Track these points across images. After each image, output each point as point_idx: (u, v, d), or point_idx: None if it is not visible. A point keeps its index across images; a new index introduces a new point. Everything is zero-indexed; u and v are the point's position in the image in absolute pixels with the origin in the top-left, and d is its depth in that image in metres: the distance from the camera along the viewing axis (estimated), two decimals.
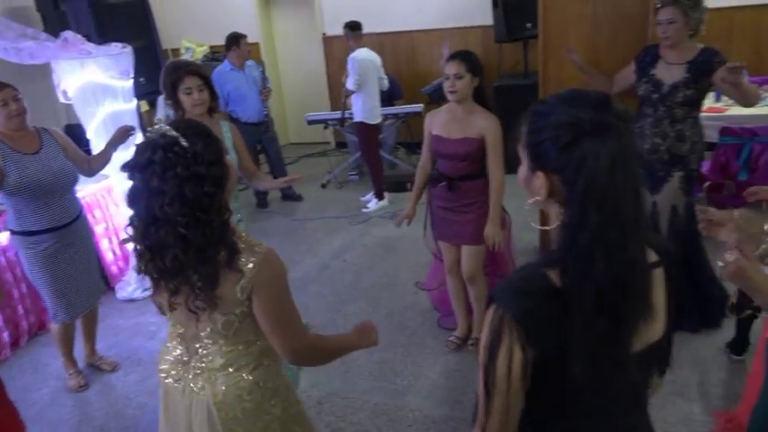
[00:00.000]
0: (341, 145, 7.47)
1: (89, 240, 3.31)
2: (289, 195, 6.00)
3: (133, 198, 1.41)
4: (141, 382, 3.31)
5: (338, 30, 6.21)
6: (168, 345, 1.66)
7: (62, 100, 4.12)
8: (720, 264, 1.28)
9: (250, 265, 1.44)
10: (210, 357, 1.56)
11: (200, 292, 1.43)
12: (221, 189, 1.43)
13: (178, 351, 1.62)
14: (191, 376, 1.58)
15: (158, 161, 1.34)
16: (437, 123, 2.95)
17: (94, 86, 3.95)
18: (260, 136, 5.65)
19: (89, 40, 4.17)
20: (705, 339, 3.18)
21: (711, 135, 4.36)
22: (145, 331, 3.84)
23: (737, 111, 4.55)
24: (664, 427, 2.61)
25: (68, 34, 4.02)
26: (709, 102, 4.73)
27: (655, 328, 1.07)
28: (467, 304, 3.32)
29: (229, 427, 1.56)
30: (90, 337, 3.46)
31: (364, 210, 5.51)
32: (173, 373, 1.62)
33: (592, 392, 1.07)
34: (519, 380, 1.01)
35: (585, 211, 0.94)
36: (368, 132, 5.52)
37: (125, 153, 4.10)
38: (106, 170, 4.22)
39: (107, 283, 4.16)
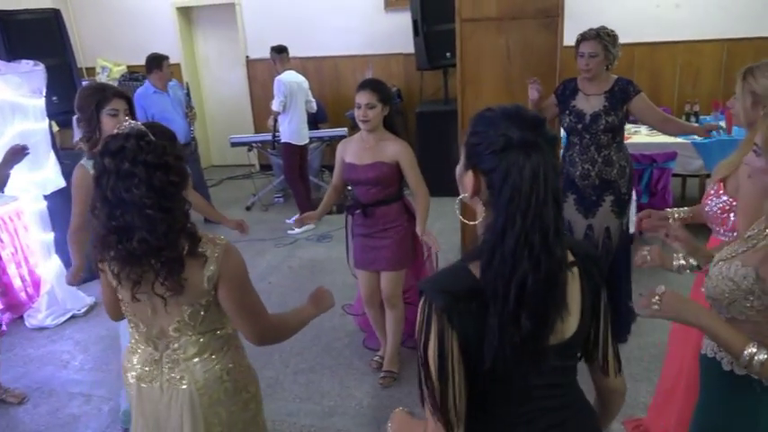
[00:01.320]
0: (265, 167, 7.43)
1: None
2: (209, 219, 5.88)
3: (100, 181, 1.48)
4: (53, 414, 3.13)
5: (262, 53, 6.24)
6: (132, 347, 1.72)
7: None
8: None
9: (216, 254, 1.54)
10: (182, 349, 1.64)
11: (167, 276, 1.49)
12: (185, 181, 1.55)
13: (147, 351, 1.68)
14: (165, 371, 1.65)
15: (130, 147, 1.45)
16: (349, 151, 2.97)
17: (3, 104, 3.77)
18: (186, 158, 5.52)
19: None
20: None
21: None
22: (57, 360, 3.64)
23: (638, 139, 4.94)
24: None
25: None
26: None
27: (568, 325, 1.17)
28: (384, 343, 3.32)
29: (213, 410, 1.65)
30: None
31: (290, 231, 5.49)
32: (144, 374, 1.68)
33: (513, 379, 1.15)
34: (450, 359, 1.09)
35: (511, 218, 1.05)
36: (293, 153, 5.55)
37: (39, 173, 3.94)
38: (15, 192, 4.04)
39: (16, 310, 3.91)
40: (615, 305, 3.41)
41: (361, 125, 2.87)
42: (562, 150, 3.38)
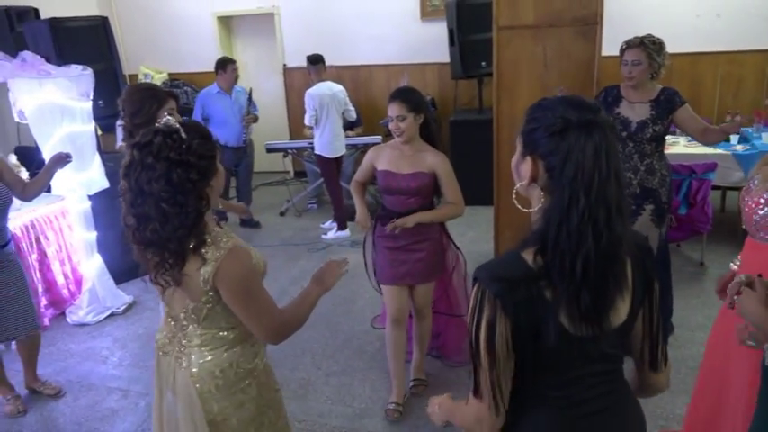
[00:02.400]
0: (300, 174, 7.53)
1: (16, 270, 3.08)
2: (247, 222, 6.00)
3: (128, 171, 1.57)
4: (92, 407, 3.22)
5: (299, 61, 6.35)
6: (163, 321, 1.83)
7: (17, 119, 4.06)
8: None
9: (214, 258, 1.58)
10: (189, 337, 1.72)
11: (167, 268, 1.58)
12: (205, 181, 1.59)
13: (169, 326, 1.78)
14: (176, 350, 1.75)
15: (156, 143, 1.53)
16: (383, 159, 2.88)
17: (53, 107, 3.91)
18: (238, 160, 5.74)
19: (48, 61, 4.15)
20: None
21: None
22: (96, 356, 3.75)
23: (677, 150, 4.86)
24: None
25: (27, 54, 4.00)
26: None
27: (620, 312, 1.20)
28: (404, 362, 3.11)
29: (204, 398, 1.70)
30: (29, 364, 3.33)
31: (324, 236, 5.55)
32: (164, 344, 1.79)
33: (564, 365, 1.19)
34: (501, 345, 1.13)
35: (575, 195, 1.08)
36: (327, 164, 5.63)
37: (84, 174, 4.08)
38: (61, 192, 4.19)
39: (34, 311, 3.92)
40: None
41: (396, 137, 2.81)
42: None
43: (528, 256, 1.14)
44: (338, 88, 5.60)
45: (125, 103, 2.70)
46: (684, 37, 5.95)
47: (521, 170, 1.19)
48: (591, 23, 3.50)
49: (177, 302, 1.70)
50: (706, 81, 6.09)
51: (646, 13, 5.89)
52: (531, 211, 1.20)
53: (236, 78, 5.64)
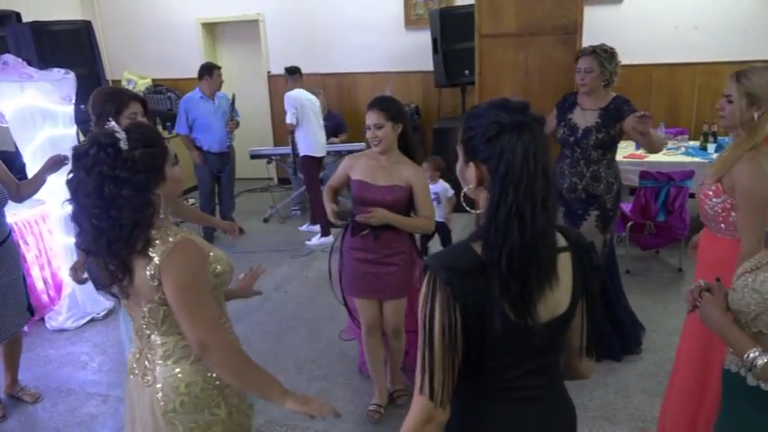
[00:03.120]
0: (283, 181, 7.52)
1: (14, 266, 3.11)
2: None
3: (68, 180, 1.53)
4: (71, 413, 3.18)
5: (283, 68, 6.36)
6: (134, 338, 1.74)
7: None
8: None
9: (159, 252, 1.52)
10: (153, 350, 1.65)
11: (116, 279, 1.54)
12: (142, 194, 1.51)
13: (136, 344, 1.70)
14: (140, 368, 1.67)
15: (91, 155, 1.47)
16: (359, 168, 2.79)
17: (34, 110, 3.89)
18: (221, 166, 5.70)
19: (30, 64, 4.12)
20: (628, 367, 3.38)
21: (633, 179, 4.70)
22: (76, 361, 3.71)
23: (655, 158, 4.92)
24: None
25: (8, 57, 3.98)
26: (630, 149, 5.12)
27: (559, 302, 1.26)
28: (384, 367, 3.10)
29: (169, 418, 1.61)
30: (11, 366, 3.29)
31: (307, 242, 5.56)
32: (133, 366, 1.71)
33: (505, 352, 1.24)
34: (451, 330, 1.17)
35: (504, 191, 1.15)
36: (313, 166, 5.65)
37: (65, 178, 4.04)
38: (42, 196, 4.13)
39: (33, 312, 3.95)
40: (615, 319, 3.45)
41: (373, 147, 2.71)
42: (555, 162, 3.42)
43: (477, 247, 1.20)
44: (313, 97, 5.77)
45: (92, 106, 2.67)
46: (663, 48, 6.08)
47: (466, 176, 1.27)
48: (571, 32, 3.57)
49: (135, 310, 1.62)
50: (684, 91, 6.21)
51: (625, 24, 6.00)
52: (477, 212, 1.30)
53: (220, 84, 5.65)
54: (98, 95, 2.72)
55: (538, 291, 1.19)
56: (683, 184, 4.44)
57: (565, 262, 1.27)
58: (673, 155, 5.02)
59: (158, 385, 1.63)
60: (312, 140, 5.63)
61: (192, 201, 6.64)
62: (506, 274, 1.15)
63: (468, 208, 1.31)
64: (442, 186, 4.59)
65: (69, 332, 4.07)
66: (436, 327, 1.18)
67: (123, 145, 1.48)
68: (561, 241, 1.29)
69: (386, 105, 2.69)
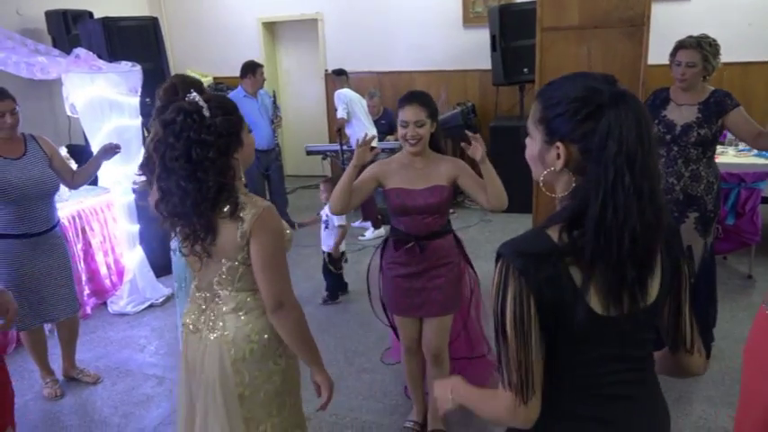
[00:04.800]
0: (338, 179, 7.56)
1: (62, 253, 3.18)
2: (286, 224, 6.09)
3: (156, 146, 1.63)
4: (128, 392, 3.28)
5: (341, 66, 6.45)
6: (190, 300, 1.84)
7: (69, 113, 4.21)
8: None
9: (250, 214, 1.63)
10: (222, 303, 1.74)
11: (195, 240, 1.64)
12: (225, 157, 1.62)
13: (197, 303, 1.79)
14: (206, 322, 1.76)
15: (179, 122, 1.58)
16: (392, 176, 2.50)
17: (102, 101, 4.05)
18: (268, 164, 5.79)
19: (100, 58, 4.29)
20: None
21: None
22: (134, 344, 3.83)
23: (726, 159, 4.71)
24: None
25: (80, 51, 4.15)
26: None
27: (650, 292, 1.16)
28: (423, 385, 2.87)
29: (237, 367, 1.71)
30: (67, 350, 3.42)
31: (360, 238, 5.58)
32: (190, 322, 1.79)
33: (590, 346, 1.15)
34: (524, 323, 1.09)
35: (620, 171, 1.05)
36: None
37: (130, 167, 4.18)
38: (107, 184, 4.32)
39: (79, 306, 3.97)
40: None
41: (409, 147, 2.45)
42: None
43: (553, 233, 1.11)
44: (359, 96, 5.95)
45: (183, 89, 2.72)
46: (735, 46, 5.77)
47: (547, 158, 1.15)
48: (638, 24, 3.43)
49: (211, 270, 1.73)
50: (758, 91, 5.91)
51: (695, 20, 5.73)
52: (558, 196, 1.17)
53: (263, 82, 5.74)
54: (192, 85, 2.79)
55: (649, 273, 1.12)
56: (755, 185, 4.21)
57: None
58: (745, 156, 4.77)
59: (229, 335, 1.72)
60: (361, 135, 5.69)
61: None
62: (627, 257, 1.06)
63: (547, 192, 1.21)
64: None
65: (129, 316, 4.20)
66: (507, 319, 1.10)
67: (206, 112, 1.59)
68: None
69: (427, 101, 2.47)
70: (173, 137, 1.58)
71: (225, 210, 1.63)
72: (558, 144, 1.12)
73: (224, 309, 1.74)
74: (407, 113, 2.42)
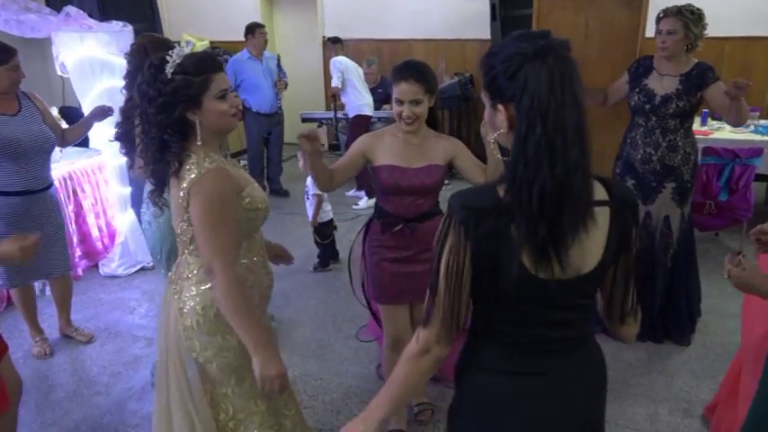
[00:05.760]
0: (334, 147, 7.54)
1: (55, 212, 3.20)
2: (275, 191, 6.07)
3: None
4: (117, 353, 3.31)
5: (338, 33, 6.37)
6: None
7: (60, 72, 4.15)
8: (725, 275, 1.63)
9: (192, 175, 1.62)
10: (183, 268, 1.75)
11: (154, 189, 1.72)
12: (165, 115, 1.60)
13: (178, 258, 1.81)
14: (177, 281, 1.77)
15: (143, 74, 1.64)
16: (384, 151, 2.29)
17: (93, 61, 4.00)
18: (270, 127, 5.78)
19: (90, 17, 4.22)
20: (675, 347, 3.25)
21: None
22: (125, 306, 3.85)
23: (721, 135, 4.69)
24: (631, 426, 2.66)
25: (71, 9, 4.08)
26: (695, 125, 4.87)
27: (588, 260, 1.17)
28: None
29: (188, 335, 1.71)
30: (63, 308, 3.45)
31: (354, 207, 5.58)
32: (172, 277, 1.81)
33: (519, 303, 1.18)
34: (459, 274, 1.13)
35: (532, 123, 1.05)
36: (362, 126, 5.70)
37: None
38: (99, 146, 4.28)
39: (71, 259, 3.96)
40: (676, 302, 3.27)
41: (404, 125, 2.23)
42: (625, 131, 3.23)
43: (502, 190, 1.13)
44: (355, 64, 5.92)
45: (154, 50, 2.64)
46: (736, 20, 5.70)
47: (496, 122, 1.17)
48: None
49: (176, 226, 1.73)
50: (758, 67, 5.82)
51: None
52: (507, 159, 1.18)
53: (265, 43, 5.67)
54: (163, 44, 2.73)
55: (570, 235, 1.09)
56: (749, 162, 4.19)
57: (601, 217, 1.16)
58: (741, 132, 4.74)
59: (181, 302, 1.73)
60: (360, 101, 5.78)
61: (242, 163, 6.74)
62: (537, 214, 1.06)
63: (499, 156, 1.25)
64: (311, 179, 4.17)
65: (120, 279, 4.22)
66: (442, 266, 1.14)
67: (168, 69, 1.58)
68: (601, 194, 1.17)
69: (424, 75, 2.21)
70: (137, 86, 1.66)
71: (170, 166, 1.65)
72: (499, 106, 1.14)
73: (184, 273, 1.74)
74: (403, 91, 2.18)
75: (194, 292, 1.71)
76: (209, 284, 1.68)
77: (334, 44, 6.05)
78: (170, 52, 1.60)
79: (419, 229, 2.34)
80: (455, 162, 2.32)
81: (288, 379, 1.70)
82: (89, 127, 3.37)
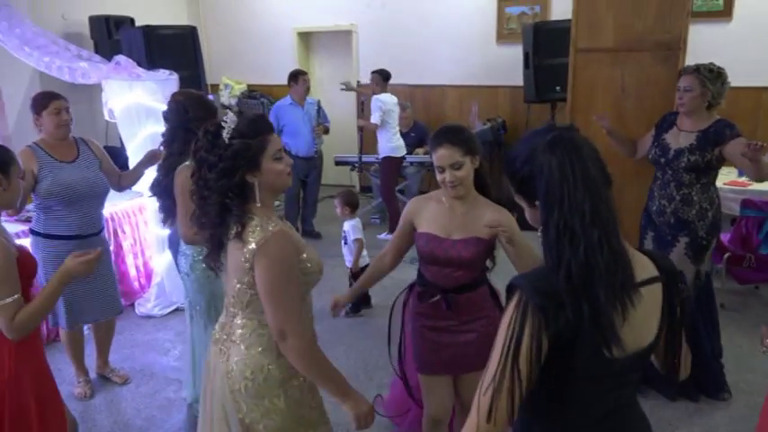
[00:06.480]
0: (365, 189, 7.62)
1: (107, 256, 3.33)
2: (308, 232, 6.13)
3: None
4: (152, 396, 3.34)
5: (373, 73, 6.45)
6: (223, 312, 1.86)
7: (107, 118, 4.32)
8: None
9: (257, 238, 1.63)
10: (233, 329, 1.74)
11: (210, 251, 1.74)
12: (227, 180, 1.63)
13: (223, 318, 1.82)
14: (223, 340, 1.77)
15: (199, 140, 1.68)
16: (426, 218, 2.24)
17: (139, 107, 4.16)
18: (308, 171, 5.92)
19: (139, 65, 4.40)
20: (718, 407, 3.16)
21: (734, 208, 4.41)
22: (160, 347, 3.90)
23: (760, 186, 4.60)
24: None
25: (121, 58, 4.27)
26: (732, 176, 4.81)
27: (647, 332, 1.19)
28: None
29: (234, 397, 1.71)
30: (103, 349, 3.51)
31: None
32: (216, 336, 1.81)
33: (588, 382, 1.18)
34: (538, 359, 1.10)
35: (550, 210, 1.11)
36: (393, 168, 5.79)
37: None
38: (141, 188, 4.40)
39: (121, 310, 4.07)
40: (699, 363, 3.16)
41: (449, 192, 2.16)
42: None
43: None
44: (396, 100, 5.95)
45: (193, 108, 2.76)
46: None
47: (531, 221, 1.24)
48: (674, 49, 3.40)
49: (229, 287, 1.75)
50: None
51: (734, 43, 5.65)
52: None
53: (307, 90, 5.83)
54: (199, 102, 2.85)
55: (613, 311, 1.09)
56: None
57: (655, 292, 1.20)
58: None
59: (230, 365, 1.73)
60: (394, 142, 5.84)
61: (276, 203, 6.85)
62: (571, 296, 1.08)
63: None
64: (350, 224, 4.22)
65: (155, 319, 4.28)
66: (522, 354, 1.09)
67: (225, 134, 1.62)
68: (652, 270, 1.21)
69: (460, 137, 2.14)
70: (193, 154, 1.69)
71: (234, 230, 1.66)
72: (537, 203, 1.18)
73: (234, 335, 1.74)
74: (441, 156, 2.11)
75: (243, 356, 1.71)
76: (259, 348, 1.70)
77: (385, 80, 5.89)
78: (224, 118, 1.65)
79: (457, 301, 2.23)
80: (499, 237, 2.14)
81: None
82: (143, 172, 3.49)
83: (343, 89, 6.27)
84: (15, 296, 1.89)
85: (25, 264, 2.01)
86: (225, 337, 1.78)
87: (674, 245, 3.08)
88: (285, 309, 1.63)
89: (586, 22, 3.58)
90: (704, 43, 5.02)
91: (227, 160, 1.62)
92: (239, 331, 1.73)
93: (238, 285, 1.69)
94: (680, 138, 3.06)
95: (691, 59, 3.53)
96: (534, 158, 1.14)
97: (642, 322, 1.16)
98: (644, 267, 1.20)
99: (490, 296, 2.32)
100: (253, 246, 1.62)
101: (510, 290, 1.16)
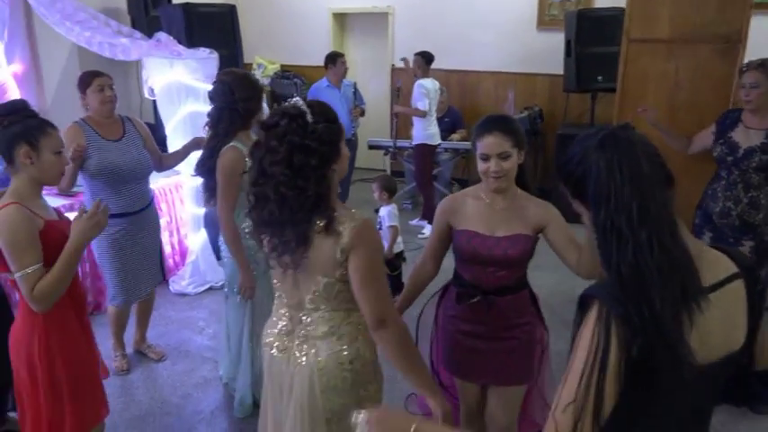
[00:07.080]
0: (397, 174, 7.55)
1: (155, 229, 3.42)
2: None
3: (253, 150, 1.61)
4: (188, 374, 3.37)
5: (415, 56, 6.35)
6: (274, 318, 1.77)
7: (147, 96, 4.32)
8: None
9: (348, 228, 1.57)
10: (314, 325, 1.67)
11: (285, 250, 1.59)
12: (326, 166, 1.58)
13: (283, 322, 1.74)
14: (296, 344, 1.69)
15: (282, 125, 1.54)
16: (465, 215, 2.10)
17: (179, 86, 4.14)
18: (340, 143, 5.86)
19: (179, 43, 4.38)
20: (757, 417, 3.07)
21: None
22: (194, 326, 3.92)
23: None
24: None
25: (162, 35, 4.25)
26: None
27: (730, 338, 1.13)
28: None
29: (327, 397, 1.65)
30: (142, 323, 3.55)
31: (419, 236, 5.56)
32: (277, 344, 1.73)
33: (662, 395, 1.11)
34: (627, 371, 1.04)
35: (597, 209, 1.09)
36: (427, 154, 5.71)
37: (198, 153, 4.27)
38: (179, 167, 4.41)
39: (163, 274, 4.24)
40: (749, 367, 3.08)
41: (491, 183, 2.01)
42: (708, 182, 3.15)
43: None
44: (439, 85, 5.84)
45: (239, 89, 2.73)
46: None
47: (587, 223, 1.20)
48: (733, 41, 3.27)
49: (304, 286, 1.66)
50: None
51: None
52: None
53: (344, 72, 5.76)
54: (245, 79, 2.84)
55: (672, 316, 1.03)
56: None
57: (737, 290, 1.13)
58: None
59: (321, 361, 1.66)
60: (430, 129, 5.74)
61: None
62: (625, 299, 1.03)
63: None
64: (387, 210, 4.12)
65: (190, 297, 4.31)
66: (610, 367, 1.03)
67: (309, 118, 1.55)
68: (730, 266, 1.15)
69: (511, 126, 2.02)
70: (275, 140, 1.54)
71: (320, 223, 1.57)
72: (583, 207, 1.18)
73: (318, 331, 1.67)
74: (488, 144, 1.97)
75: (338, 348, 1.66)
76: (349, 337, 1.67)
77: (428, 63, 5.75)
78: (290, 100, 1.59)
79: (498, 304, 2.10)
80: (545, 232, 2.06)
81: None
82: (186, 155, 3.49)
83: (401, 66, 6.14)
84: (36, 265, 1.88)
85: (52, 236, 1.97)
86: (303, 339, 1.69)
87: (738, 248, 2.95)
88: (383, 296, 1.61)
89: (641, 11, 3.46)
90: (764, 36, 4.83)
91: (324, 145, 1.55)
92: (325, 327, 1.67)
93: (325, 280, 1.62)
94: (749, 135, 2.95)
95: (750, 54, 3.41)
96: (586, 158, 1.12)
97: (726, 323, 1.11)
98: (720, 265, 1.15)
99: (533, 303, 2.21)
100: (346, 237, 1.56)
101: (584, 302, 1.10)
